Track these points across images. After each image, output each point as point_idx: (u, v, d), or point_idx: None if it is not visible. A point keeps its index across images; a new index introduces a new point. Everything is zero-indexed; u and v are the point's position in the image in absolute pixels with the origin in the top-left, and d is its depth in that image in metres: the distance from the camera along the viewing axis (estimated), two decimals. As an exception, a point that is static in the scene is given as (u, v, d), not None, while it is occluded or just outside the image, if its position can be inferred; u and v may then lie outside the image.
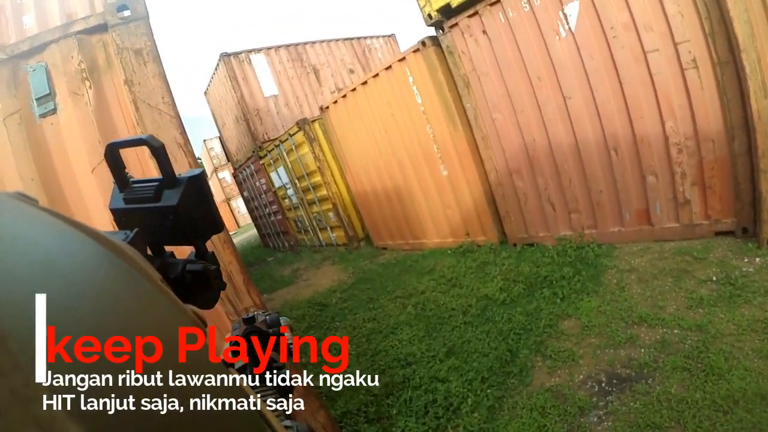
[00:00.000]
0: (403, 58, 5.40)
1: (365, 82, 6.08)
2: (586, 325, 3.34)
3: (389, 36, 11.02)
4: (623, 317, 3.25)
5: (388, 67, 5.65)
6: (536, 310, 3.76)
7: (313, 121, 7.70)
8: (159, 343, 0.26)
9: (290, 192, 9.12)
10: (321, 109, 7.16)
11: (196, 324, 0.43)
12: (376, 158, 6.46)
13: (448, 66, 4.96)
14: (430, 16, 4.65)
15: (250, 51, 9.67)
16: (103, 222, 2.19)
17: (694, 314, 2.96)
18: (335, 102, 6.74)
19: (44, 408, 0.16)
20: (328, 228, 8.49)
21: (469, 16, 4.51)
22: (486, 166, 5.16)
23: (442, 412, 2.92)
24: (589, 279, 3.94)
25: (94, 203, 2.25)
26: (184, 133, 2.33)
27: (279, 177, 9.17)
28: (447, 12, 4.57)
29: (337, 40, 9.88)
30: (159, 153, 0.59)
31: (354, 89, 6.29)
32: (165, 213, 0.61)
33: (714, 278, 3.24)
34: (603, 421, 2.45)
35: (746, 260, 3.29)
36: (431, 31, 5.00)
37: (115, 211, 0.64)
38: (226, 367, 0.44)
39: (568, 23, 3.97)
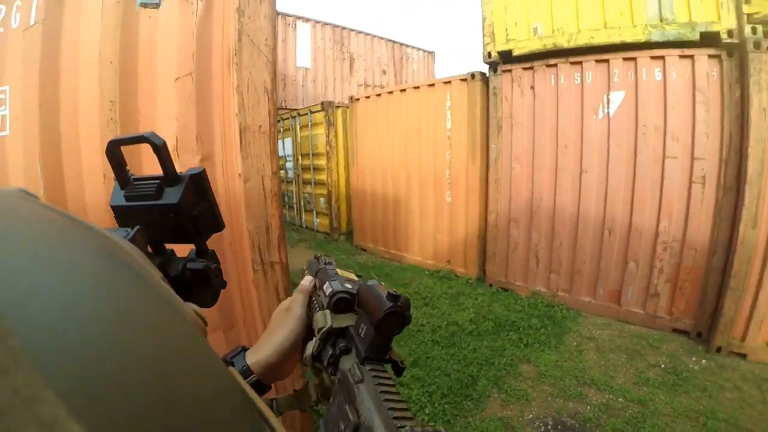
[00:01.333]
0: (449, 82, 5.81)
1: (404, 90, 6.46)
2: (543, 373, 3.78)
3: (429, 52, 11.46)
4: (577, 376, 3.72)
5: (432, 85, 6.06)
6: (500, 348, 4.19)
7: (338, 107, 8.02)
8: (159, 341, 0.27)
9: (289, 165, 9.37)
10: (351, 99, 7.47)
11: (196, 322, 0.43)
12: (387, 164, 6.83)
13: (488, 105, 5.41)
14: (489, 54, 5.10)
15: (299, 17, 9.87)
16: (170, 133, 2.25)
17: (639, 390, 3.46)
18: (367, 97, 7.09)
19: (46, 407, 0.16)
20: (314, 212, 8.78)
21: (524, 69, 4.98)
22: (489, 207, 5.61)
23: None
24: (553, 335, 4.41)
25: (166, 112, 2.26)
26: (274, 80, 2.47)
27: (283, 148, 9.41)
28: (506, 57, 5.03)
29: (381, 38, 10.18)
30: (160, 150, 0.61)
31: (391, 92, 6.66)
32: (166, 211, 0.62)
33: (662, 366, 3.77)
34: None
35: (694, 359, 3.84)
36: (467, 63, 5.47)
37: (116, 209, 0.66)
38: (226, 366, 0.44)
39: (608, 108, 4.49)
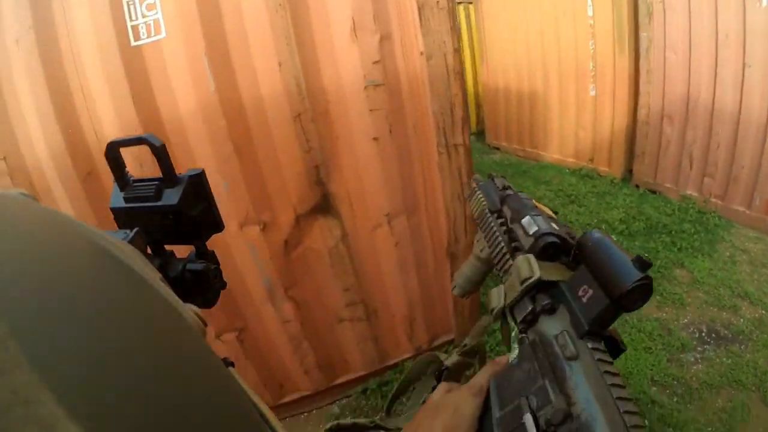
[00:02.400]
0: (592, -35, 5.63)
1: (536, -24, 6.34)
2: (697, 280, 4.24)
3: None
4: (731, 286, 4.14)
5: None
6: (653, 249, 4.67)
7: (459, 3, 8.03)
8: (158, 343, 0.29)
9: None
10: (476, -8, 7.43)
11: (196, 323, 0.46)
12: (521, 59, 6.96)
13: (639, -10, 5.25)
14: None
15: None
16: (344, 15, 2.37)
17: (796, 308, 3.85)
18: (495, -13, 7.05)
19: (45, 408, 0.17)
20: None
21: (682, -52, 4.74)
22: (640, 101, 5.67)
23: None
24: (705, 242, 4.77)
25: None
26: None
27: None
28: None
29: None
30: (159, 152, 0.64)
31: (521, -20, 6.58)
32: (165, 212, 0.67)
33: (822, 284, 4.07)
34: (698, 363, 3.45)
35: None
36: None
37: (115, 210, 0.70)
38: (226, 366, 0.47)
39: (777, -5, 4.28)
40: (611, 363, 0.47)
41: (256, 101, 2.39)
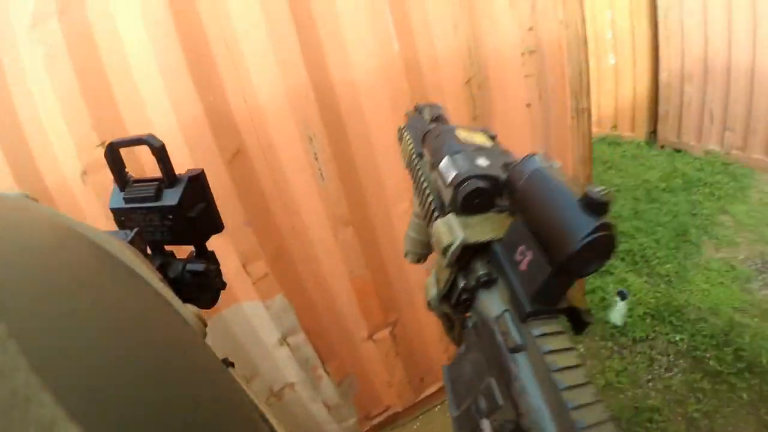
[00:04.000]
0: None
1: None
2: (741, 222, 4.89)
3: None
4: (768, 224, 4.78)
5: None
6: (697, 201, 5.28)
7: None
8: (158, 343, 0.29)
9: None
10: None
11: (195, 324, 0.46)
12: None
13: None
14: None
15: None
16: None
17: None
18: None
19: (45, 409, 0.17)
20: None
21: None
22: (660, 65, 6.21)
23: (639, 260, 4.42)
24: (738, 189, 5.42)
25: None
26: None
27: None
28: None
29: None
30: (159, 152, 0.65)
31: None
32: (165, 213, 0.68)
33: None
34: (763, 289, 4.03)
35: None
36: None
37: (115, 211, 0.72)
38: (226, 367, 0.48)
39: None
40: (570, 349, 0.35)
41: (433, 63, 2.32)
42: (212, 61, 1.86)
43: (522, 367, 0.35)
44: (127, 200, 0.71)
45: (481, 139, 0.54)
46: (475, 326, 0.43)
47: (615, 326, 3.69)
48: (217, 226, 0.76)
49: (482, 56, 2.47)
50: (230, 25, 1.84)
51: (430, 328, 2.81)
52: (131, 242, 0.57)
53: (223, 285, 0.76)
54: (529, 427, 0.32)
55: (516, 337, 0.36)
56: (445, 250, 0.44)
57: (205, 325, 0.50)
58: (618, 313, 3.73)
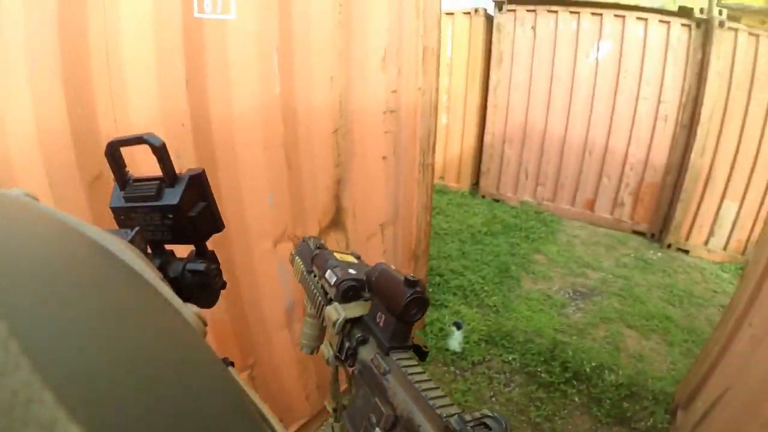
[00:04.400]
0: (451, 13, 6.86)
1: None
2: (552, 260, 5.53)
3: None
4: (576, 261, 5.52)
5: (436, 16, 7.09)
6: (515, 243, 5.85)
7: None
8: (158, 342, 0.29)
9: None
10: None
11: (196, 323, 0.46)
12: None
13: (490, 39, 6.67)
14: (499, -7, 6.28)
15: None
16: (380, 45, 2.59)
17: (621, 270, 5.36)
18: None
19: (45, 408, 0.17)
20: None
21: (528, 10, 6.27)
22: (486, 129, 7.05)
23: (469, 294, 4.70)
24: (548, 233, 6.20)
25: (380, 23, 2.57)
26: (440, 7, 3.12)
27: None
28: (513, -1, 6.26)
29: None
30: (159, 151, 0.64)
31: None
32: (165, 212, 0.67)
33: (632, 255, 5.75)
34: (577, 313, 4.56)
35: (651, 252, 5.89)
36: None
37: (115, 210, 0.71)
38: (226, 366, 0.48)
39: (597, 53, 6.02)
40: (417, 365, 0.56)
41: (308, 110, 2.32)
42: (89, 72, 1.61)
43: (391, 381, 0.54)
44: (127, 199, 0.70)
45: (350, 258, 0.80)
46: (359, 371, 0.62)
47: (454, 353, 3.86)
48: (217, 226, 0.74)
49: (350, 110, 2.57)
50: (117, 41, 1.63)
51: (287, 368, 2.73)
52: (132, 241, 0.56)
53: (224, 284, 0.76)
54: (402, 414, 0.50)
55: (384, 365, 0.56)
56: (334, 324, 0.66)
57: (206, 325, 0.51)
58: (455, 341, 3.94)
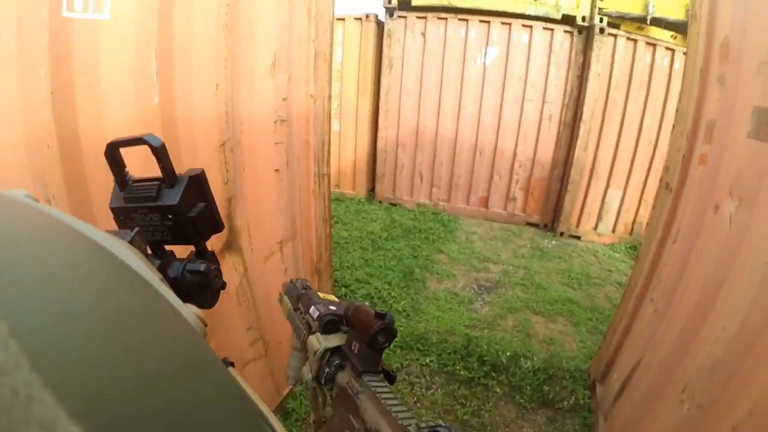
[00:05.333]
0: (342, 19, 6.63)
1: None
2: (454, 258, 5.42)
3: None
4: (476, 256, 5.47)
5: (324, 21, 6.83)
6: (416, 245, 5.67)
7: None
8: (158, 342, 0.28)
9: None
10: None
11: (196, 324, 0.46)
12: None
13: (381, 45, 6.53)
14: (389, 0, 6.21)
15: None
16: (270, 51, 2.37)
17: (520, 261, 5.40)
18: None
19: (45, 408, 0.17)
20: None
21: (418, 17, 6.22)
22: (379, 134, 6.88)
23: (377, 301, 4.43)
24: (447, 233, 6.10)
25: (267, 30, 2.36)
26: (333, 11, 3.05)
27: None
28: (403, 5, 6.21)
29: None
30: (159, 152, 0.64)
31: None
32: (165, 212, 0.66)
33: (528, 246, 5.83)
34: (484, 307, 4.46)
35: (546, 241, 6.01)
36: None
37: (115, 210, 0.70)
38: (226, 366, 0.48)
39: (485, 58, 6.11)
40: (385, 386, 0.62)
41: (190, 122, 1.99)
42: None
43: (363, 400, 0.60)
44: (127, 200, 0.69)
45: (332, 298, 0.89)
46: (337, 395, 0.69)
47: None
48: (217, 226, 0.72)
49: (238, 120, 2.28)
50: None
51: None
52: (131, 242, 0.54)
53: (223, 285, 0.74)
54: (371, 427, 0.56)
55: (357, 386, 0.63)
56: (315, 352, 0.74)
57: (206, 325, 0.51)
58: None
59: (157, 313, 0.33)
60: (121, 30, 1.63)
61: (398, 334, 3.72)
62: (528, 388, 3.33)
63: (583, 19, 5.61)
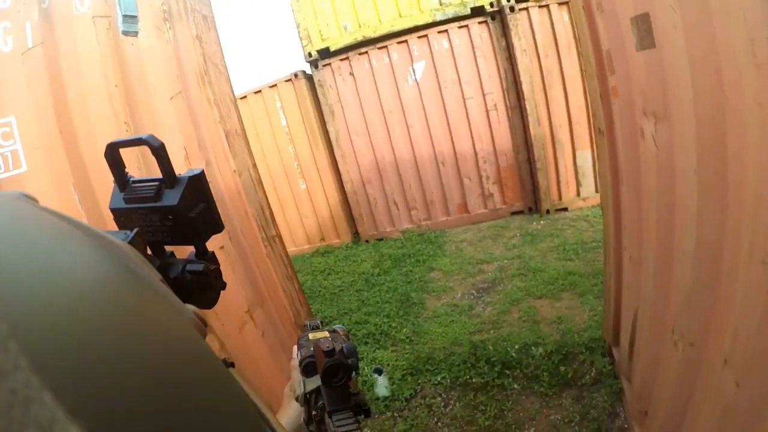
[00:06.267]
0: (275, 85, 6.68)
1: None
2: (447, 271, 5.19)
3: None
4: (469, 262, 5.23)
5: (258, 92, 6.80)
6: (408, 271, 5.45)
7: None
8: (158, 343, 0.28)
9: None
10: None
11: (196, 324, 0.45)
12: (232, 174, 7.40)
13: (317, 96, 6.49)
14: (310, 54, 6.19)
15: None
16: (179, 145, 2.39)
17: (512, 252, 5.16)
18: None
19: (44, 408, 0.16)
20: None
21: (341, 60, 6.20)
22: (343, 178, 6.76)
23: (380, 337, 4.22)
24: (436, 249, 5.89)
25: (171, 127, 2.40)
26: (232, 91, 3.10)
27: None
28: (324, 53, 6.19)
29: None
30: (159, 152, 0.62)
31: (217, 109, 7.21)
32: (165, 213, 0.64)
33: (518, 234, 5.59)
34: (486, 308, 4.22)
35: (534, 224, 5.79)
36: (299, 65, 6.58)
37: (115, 211, 0.68)
38: (226, 367, 0.47)
39: (415, 75, 6.06)
40: (353, 423, 0.64)
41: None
42: None
43: None
44: (126, 200, 0.67)
45: (323, 335, 0.86)
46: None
47: (385, 398, 3.46)
48: (217, 226, 0.70)
49: None
50: None
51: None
52: (131, 242, 0.53)
53: (224, 285, 0.72)
54: None
55: (331, 426, 0.64)
56: (297, 397, 0.77)
57: (206, 325, 0.50)
58: (381, 387, 3.59)
59: (157, 314, 0.33)
60: (39, 176, 1.89)
61: (405, 361, 3.46)
62: (545, 374, 3.09)
63: (491, 5, 5.58)
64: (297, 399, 0.75)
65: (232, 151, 2.88)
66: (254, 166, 3.12)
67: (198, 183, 0.67)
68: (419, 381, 3.52)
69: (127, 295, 0.31)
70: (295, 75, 6.59)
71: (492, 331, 3.84)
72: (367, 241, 6.96)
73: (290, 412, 0.83)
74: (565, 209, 5.95)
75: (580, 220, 5.56)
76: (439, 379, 3.44)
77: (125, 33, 2.45)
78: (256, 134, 6.94)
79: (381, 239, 6.87)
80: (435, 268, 5.40)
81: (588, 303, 3.79)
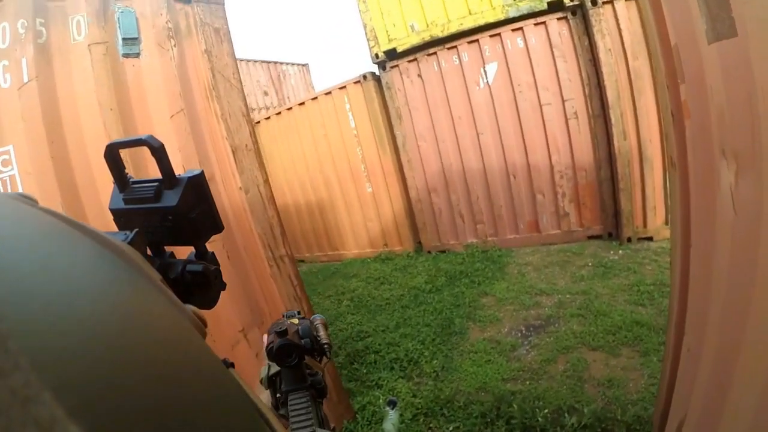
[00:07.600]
0: (344, 87, 6.36)
1: (302, 103, 6.89)
2: (501, 298, 4.50)
3: (303, 65, 12.00)
4: (527, 291, 4.49)
5: (328, 93, 6.55)
6: (460, 293, 4.84)
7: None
8: (158, 343, 0.27)
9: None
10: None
11: (196, 324, 0.45)
12: (303, 174, 7.21)
13: (384, 99, 6.07)
14: (377, 55, 5.75)
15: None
16: (177, 163, 2.34)
17: (579, 285, 4.31)
18: (268, 118, 7.40)
19: (44, 408, 0.16)
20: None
21: (409, 61, 5.71)
22: (408, 185, 6.28)
23: (407, 364, 3.72)
24: (496, 271, 5.19)
25: (169, 146, 2.59)
26: (246, 104, 2.90)
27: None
28: (391, 55, 5.72)
29: (255, 60, 10.42)
30: (159, 153, 0.61)
31: (290, 108, 7.05)
32: (164, 213, 0.63)
33: (590, 264, 4.70)
34: (530, 352, 3.53)
35: (612, 253, 4.83)
36: (342, 69, 6.14)
37: (114, 212, 0.66)
38: (226, 367, 0.46)
39: (486, 78, 5.37)
40: (305, 402, 0.66)
41: None
42: None
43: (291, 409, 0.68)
44: (126, 201, 0.65)
45: (293, 321, 0.85)
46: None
47: None
48: (217, 226, 0.68)
49: None
50: None
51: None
52: (131, 243, 0.52)
53: (224, 286, 0.70)
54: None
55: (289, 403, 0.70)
56: (261, 380, 0.80)
57: (206, 326, 0.49)
58: (389, 422, 3.03)
59: (157, 314, 0.32)
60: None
61: (423, 400, 2.92)
62: (568, 455, 2.38)
63: (571, -1, 4.68)
64: (261, 382, 0.74)
65: (239, 168, 2.77)
66: (266, 182, 2.90)
67: (198, 183, 0.65)
68: (430, 425, 3.06)
69: (126, 295, 0.30)
70: (364, 77, 6.20)
71: (528, 382, 3.16)
72: (429, 252, 6.41)
73: (262, 399, 0.77)
74: (650, 239, 4.90)
75: (665, 254, 4.50)
76: (450, 428, 2.93)
77: (125, 55, 2.49)
78: (325, 135, 6.75)
79: (443, 251, 6.29)
80: (489, 293, 4.71)
81: (649, 366, 2.96)
